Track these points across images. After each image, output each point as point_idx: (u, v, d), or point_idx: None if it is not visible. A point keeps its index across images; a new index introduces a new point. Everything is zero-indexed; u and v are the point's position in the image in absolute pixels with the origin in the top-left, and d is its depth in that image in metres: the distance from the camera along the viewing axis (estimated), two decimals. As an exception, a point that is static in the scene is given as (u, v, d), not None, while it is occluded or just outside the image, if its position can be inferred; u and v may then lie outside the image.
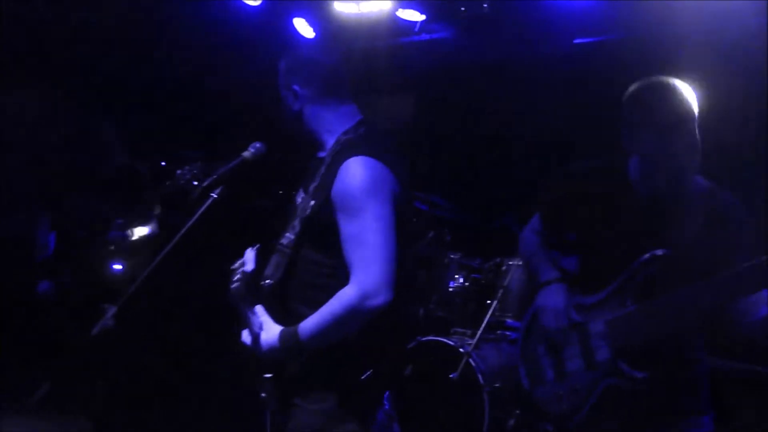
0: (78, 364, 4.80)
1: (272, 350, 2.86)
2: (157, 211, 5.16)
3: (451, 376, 4.84)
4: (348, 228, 2.81)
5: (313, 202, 2.92)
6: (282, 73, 3.15)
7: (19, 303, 6.83)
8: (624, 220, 3.09)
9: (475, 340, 5.01)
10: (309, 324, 2.80)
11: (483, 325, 5.08)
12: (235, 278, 3.04)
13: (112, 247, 5.02)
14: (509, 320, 5.46)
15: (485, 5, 6.12)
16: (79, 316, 4.42)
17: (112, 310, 3.33)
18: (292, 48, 3.32)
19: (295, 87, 3.07)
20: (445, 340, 5.12)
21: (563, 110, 6.31)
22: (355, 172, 2.83)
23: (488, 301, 5.37)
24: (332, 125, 3.08)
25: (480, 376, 4.88)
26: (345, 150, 2.94)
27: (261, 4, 6.69)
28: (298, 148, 3.33)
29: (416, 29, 6.65)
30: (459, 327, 5.44)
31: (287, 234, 2.99)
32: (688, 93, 2.97)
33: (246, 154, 3.34)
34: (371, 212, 2.79)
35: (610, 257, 3.09)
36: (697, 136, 2.94)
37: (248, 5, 6.68)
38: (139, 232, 5.09)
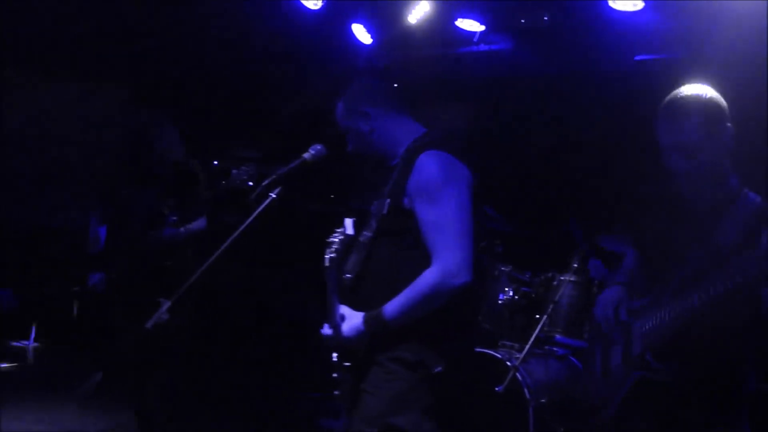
0: (130, 357, 4.83)
1: (358, 334, 2.97)
2: (210, 208, 5.20)
3: (497, 389, 4.78)
4: (429, 214, 2.94)
5: (388, 201, 3.04)
6: (350, 98, 3.30)
7: (72, 294, 6.96)
8: (676, 231, 3.21)
9: (523, 354, 4.95)
10: (393, 305, 2.93)
11: (532, 339, 5.01)
12: (333, 247, 3.12)
13: (165, 243, 5.07)
14: (558, 336, 5.40)
15: (545, 18, 6.09)
16: (131, 310, 4.47)
17: (166, 305, 3.36)
18: (358, 73, 3.49)
19: (366, 109, 3.22)
20: (492, 353, 5.08)
21: (620, 126, 6.25)
22: (433, 162, 2.97)
23: (537, 316, 5.31)
24: (402, 138, 3.22)
25: (526, 391, 4.83)
26: (418, 149, 3.06)
27: (321, 7, 6.71)
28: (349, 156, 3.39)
29: (475, 39, 6.64)
30: (506, 340, 5.39)
31: (364, 232, 3.11)
32: (709, 103, 3.06)
33: (306, 155, 3.40)
34: (451, 198, 2.93)
35: (663, 264, 3.21)
36: (725, 140, 3.04)
37: (308, 9, 6.70)
38: (192, 228, 5.13)
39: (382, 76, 3.36)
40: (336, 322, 3.04)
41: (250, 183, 3.39)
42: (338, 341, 3.04)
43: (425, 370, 2.98)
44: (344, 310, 3.05)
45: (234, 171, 3.42)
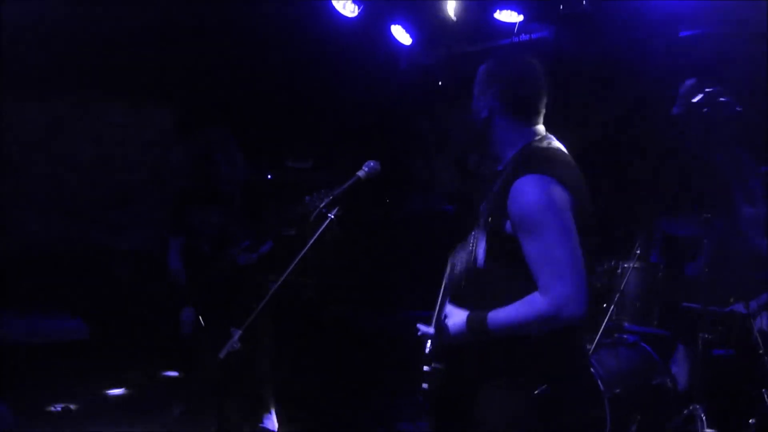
0: (210, 385, 4.91)
1: (459, 332, 2.95)
2: (277, 230, 5.25)
3: (570, 382, 4.75)
4: (532, 246, 2.85)
5: (491, 218, 2.99)
6: (482, 77, 3.16)
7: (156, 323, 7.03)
8: None
9: (593, 345, 4.93)
10: (499, 315, 2.89)
11: (600, 330, 4.98)
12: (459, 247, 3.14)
13: (240, 268, 5.13)
14: (626, 324, 5.36)
15: (584, 2, 6.02)
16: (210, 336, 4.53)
17: (237, 333, 3.40)
18: (499, 56, 3.35)
19: (490, 96, 3.09)
20: (562, 347, 5.05)
21: (669, 107, 6.16)
22: (527, 191, 2.87)
23: (604, 305, 5.27)
24: (515, 140, 3.10)
25: (600, 382, 4.79)
26: (519, 167, 2.96)
27: (359, 14, 6.74)
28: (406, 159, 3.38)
29: (515, 31, 6.60)
30: (575, 332, 5.36)
31: (477, 240, 3.06)
32: None
33: (360, 173, 3.40)
34: (552, 228, 2.82)
35: None
36: None
37: (346, 17, 6.74)
38: (263, 252, 5.20)
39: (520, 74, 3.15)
40: (440, 319, 3.03)
41: (325, 210, 3.39)
42: (437, 338, 3.02)
43: (537, 395, 2.91)
44: (450, 308, 3.03)
45: (307, 198, 3.44)
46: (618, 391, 4.83)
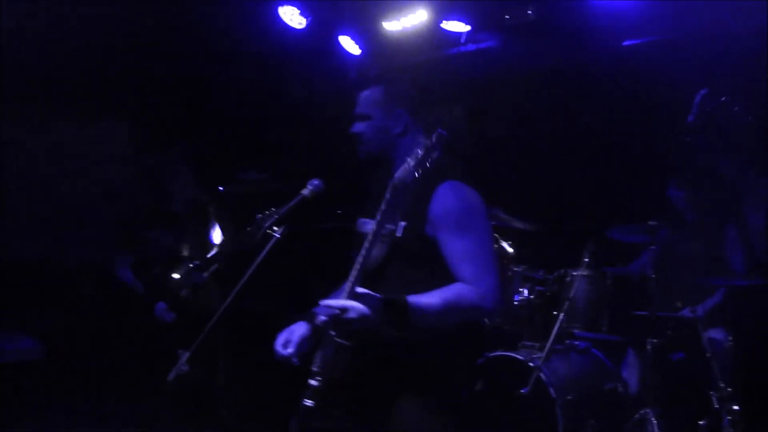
0: (159, 409, 4.87)
1: (375, 312, 2.85)
2: (227, 249, 5.23)
3: (522, 391, 4.80)
4: (458, 244, 3.00)
5: (404, 224, 3.04)
6: (388, 96, 3.25)
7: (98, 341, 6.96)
8: None
9: (544, 353, 4.97)
10: (421, 299, 2.92)
11: (551, 337, 5.03)
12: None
13: (191, 290, 5.10)
14: (577, 330, 5.42)
15: (530, 12, 6.09)
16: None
17: (185, 356, 3.38)
18: (396, 73, 3.46)
19: (400, 111, 3.22)
20: (513, 355, 5.09)
21: (616, 113, 6.25)
22: (452, 194, 3.03)
23: (554, 312, 5.33)
24: (414, 150, 3.13)
25: (552, 390, 4.83)
26: (434, 177, 3.04)
27: (306, 26, 6.75)
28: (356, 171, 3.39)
29: (462, 40, 6.65)
30: (527, 340, 5.40)
31: (374, 250, 3.03)
32: None
33: (305, 191, 3.42)
34: (478, 228, 3.04)
35: None
36: None
37: (294, 29, 6.74)
38: (212, 271, 5.16)
39: (420, 84, 3.29)
40: (352, 304, 2.89)
41: (271, 230, 3.38)
42: (343, 320, 2.87)
43: (452, 396, 3.07)
44: (363, 290, 2.94)
45: (258, 216, 3.43)
46: (570, 397, 4.87)
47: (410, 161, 2.89)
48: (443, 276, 3.03)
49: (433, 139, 2.92)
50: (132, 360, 5.36)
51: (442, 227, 2.98)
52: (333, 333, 2.96)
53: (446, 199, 3.02)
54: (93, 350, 7.18)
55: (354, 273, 2.95)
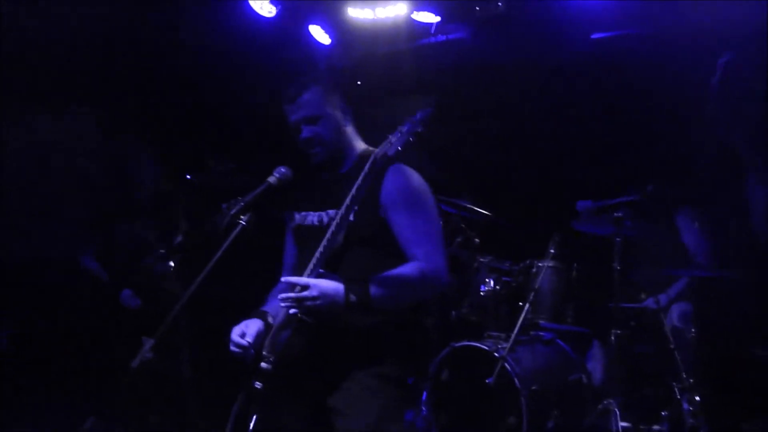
0: (122, 396, 4.83)
1: (336, 299, 2.92)
2: (192, 238, 5.20)
3: (487, 381, 4.82)
4: (409, 222, 3.11)
5: (357, 208, 3.07)
6: (329, 88, 3.32)
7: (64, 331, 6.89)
8: None
9: (509, 343, 5.00)
10: (378, 280, 2.99)
11: (517, 328, 5.06)
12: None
13: (156, 277, 5.07)
14: (542, 321, 5.46)
15: (500, 4, 6.10)
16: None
17: (149, 343, 3.36)
18: (329, 69, 3.51)
19: (342, 105, 3.34)
20: (479, 345, 5.12)
21: (584, 105, 6.29)
22: (402, 176, 3.14)
23: (520, 303, 5.36)
24: (355, 145, 3.37)
25: (516, 380, 4.87)
26: (384, 161, 3.11)
27: (276, 15, 6.71)
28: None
29: (432, 31, 6.64)
30: (492, 331, 5.43)
31: (327, 238, 3.06)
32: None
33: (271, 179, 3.39)
34: (428, 208, 3.17)
35: None
36: None
37: (264, 17, 6.70)
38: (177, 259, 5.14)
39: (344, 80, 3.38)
40: (311, 293, 2.93)
41: (237, 218, 3.36)
42: (303, 297, 2.92)
43: (404, 382, 3.14)
44: (323, 272, 3.02)
45: (224, 205, 3.41)
46: (535, 387, 4.91)
47: (392, 138, 2.95)
48: (397, 257, 3.11)
49: (418, 115, 2.96)
50: (97, 348, 5.31)
51: (393, 208, 3.07)
52: (293, 312, 2.98)
53: (396, 181, 3.12)
54: (57, 340, 7.12)
55: (316, 257, 2.99)
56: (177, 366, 5.07)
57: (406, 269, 3.05)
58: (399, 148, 2.94)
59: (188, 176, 7.89)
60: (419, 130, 2.94)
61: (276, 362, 3.00)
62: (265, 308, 3.31)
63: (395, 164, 3.16)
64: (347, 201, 3.01)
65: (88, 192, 7.39)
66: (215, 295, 4.33)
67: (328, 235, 3.01)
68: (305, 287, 2.91)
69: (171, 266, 5.11)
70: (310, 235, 3.27)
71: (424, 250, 3.08)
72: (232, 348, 3.11)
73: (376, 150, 3.00)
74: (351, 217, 3.09)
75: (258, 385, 2.97)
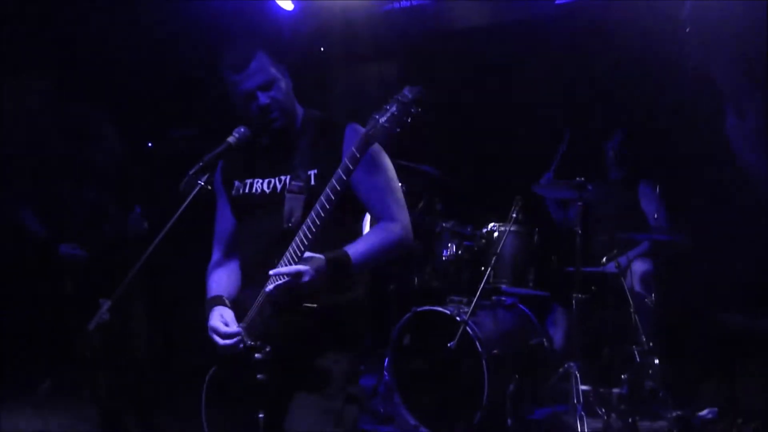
0: (78, 358, 4.79)
1: (319, 273, 2.88)
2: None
3: (449, 345, 4.83)
4: (375, 180, 3.08)
5: (315, 172, 3.08)
6: (272, 59, 3.17)
7: (17, 299, 6.81)
8: None
9: (471, 308, 5.01)
10: (357, 248, 2.97)
11: (478, 292, 5.07)
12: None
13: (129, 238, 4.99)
14: (504, 286, 5.48)
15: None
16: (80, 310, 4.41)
17: (106, 305, 3.32)
18: (273, 32, 3.42)
19: (286, 74, 3.20)
20: (441, 310, 5.13)
21: (548, 70, 6.30)
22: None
23: (482, 268, 5.38)
24: (297, 110, 3.28)
25: (478, 344, 4.88)
26: (338, 121, 3.15)
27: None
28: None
29: (395, -3, 6.63)
30: (454, 295, 5.44)
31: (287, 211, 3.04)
32: None
33: (231, 139, 3.32)
34: (388, 166, 3.12)
35: None
36: None
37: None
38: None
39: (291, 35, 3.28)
40: (295, 269, 2.89)
41: (202, 183, 3.30)
42: (297, 284, 2.88)
43: (360, 348, 3.18)
44: (309, 254, 2.93)
45: (190, 172, 3.36)
46: (496, 351, 4.93)
47: (381, 117, 2.80)
48: (356, 217, 3.14)
49: (409, 94, 2.83)
50: (48, 308, 5.26)
51: (359, 166, 2.92)
52: (282, 301, 2.95)
53: (356, 140, 2.97)
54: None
55: (299, 237, 2.93)
56: (129, 328, 5.03)
57: (379, 232, 3.05)
58: (397, 130, 2.80)
59: (149, 144, 7.83)
60: (413, 111, 2.82)
61: (269, 350, 2.99)
62: (219, 293, 3.25)
63: (351, 124, 3.12)
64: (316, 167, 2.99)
65: (37, 156, 7.27)
66: (172, 258, 4.29)
67: (312, 212, 2.91)
68: (299, 274, 2.86)
69: (145, 227, 5.03)
70: (258, 203, 3.22)
71: (391, 209, 3.08)
72: (223, 341, 3.04)
73: (366, 128, 2.87)
74: (312, 182, 3.06)
75: (260, 377, 2.98)
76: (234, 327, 3.06)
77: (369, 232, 3.07)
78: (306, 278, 2.85)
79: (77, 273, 5.05)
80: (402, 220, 3.09)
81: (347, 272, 2.95)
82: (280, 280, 2.90)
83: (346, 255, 2.94)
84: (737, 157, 4.91)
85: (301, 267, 2.86)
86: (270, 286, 2.92)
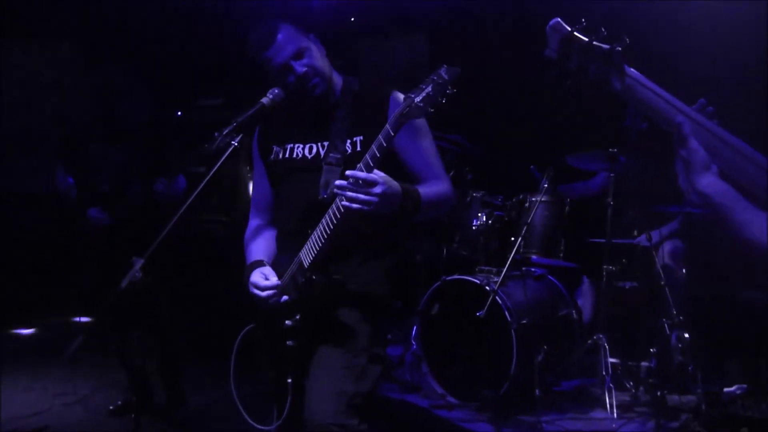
0: (109, 317, 4.81)
1: (392, 191, 2.81)
2: (186, 167, 5.14)
3: (477, 314, 4.81)
4: (420, 146, 3.13)
5: (361, 138, 3.10)
6: (294, 29, 3.16)
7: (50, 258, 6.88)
8: None
9: (500, 277, 4.99)
10: (424, 191, 2.99)
11: (508, 262, 5.04)
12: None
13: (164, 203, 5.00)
14: (534, 257, 5.45)
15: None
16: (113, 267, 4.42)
17: (139, 263, 3.32)
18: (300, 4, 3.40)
19: (314, 35, 3.20)
20: (470, 279, 5.11)
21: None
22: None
23: (512, 238, 5.35)
24: (333, 73, 3.26)
25: (507, 314, 4.87)
26: (383, 88, 3.17)
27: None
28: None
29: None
30: (484, 265, 5.43)
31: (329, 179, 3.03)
32: None
33: (264, 100, 3.30)
34: (430, 132, 3.18)
35: None
36: None
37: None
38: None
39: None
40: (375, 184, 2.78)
41: (229, 138, 3.29)
42: (367, 193, 2.76)
43: (388, 312, 3.21)
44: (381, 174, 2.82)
45: (216, 134, 3.34)
46: (525, 321, 4.91)
47: (416, 97, 2.72)
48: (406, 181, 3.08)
49: (446, 75, 2.72)
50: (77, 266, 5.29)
51: (403, 132, 2.88)
52: (339, 215, 2.87)
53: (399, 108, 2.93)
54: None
55: (332, 209, 2.90)
56: (159, 288, 5.04)
57: (435, 186, 3.08)
58: (431, 110, 2.72)
59: (178, 113, 7.84)
60: (449, 92, 2.71)
61: (299, 318, 3.04)
62: (260, 258, 3.26)
63: (394, 91, 3.12)
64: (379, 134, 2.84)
65: (69, 125, 7.30)
66: (204, 219, 4.32)
67: (365, 158, 2.82)
68: (373, 183, 2.75)
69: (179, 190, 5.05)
70: (299, 167, 3.22)
71: (438, 171, 3.14)
72: (263, 293, 3.06)
73: (399, 110, 2.79)
74: (359, 148, 3.07)
75: (290, 343, 3.05)
76: (274, 280, 3.08)
77: (428, 184, 3.07)
78: (378, 189, 2.74)
79: (102, 236, 5.09)
80: (448, 181, 3.16)
81: (416, 207, 2.93)
82: (350, 194, 2.77)
83: (417, 191, 2.96)
84: None
85: (376, 176, 2.76)
86: (339, 186, 2.81)
